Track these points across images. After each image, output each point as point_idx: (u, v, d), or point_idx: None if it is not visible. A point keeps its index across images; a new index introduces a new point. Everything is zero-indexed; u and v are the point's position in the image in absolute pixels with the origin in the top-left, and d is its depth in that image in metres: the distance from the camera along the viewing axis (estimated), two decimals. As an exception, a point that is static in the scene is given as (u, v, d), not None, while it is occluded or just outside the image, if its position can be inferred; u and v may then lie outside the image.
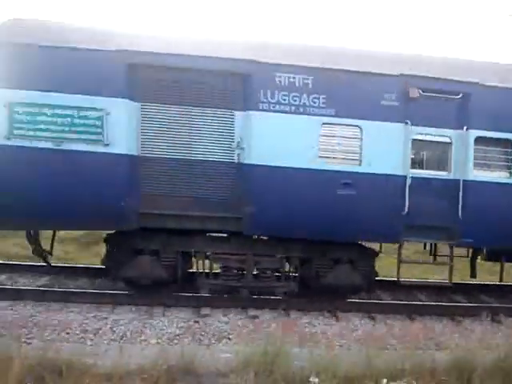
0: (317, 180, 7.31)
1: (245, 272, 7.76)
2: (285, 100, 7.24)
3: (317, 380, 4.57)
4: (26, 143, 6.91)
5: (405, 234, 7.63)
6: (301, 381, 4.62)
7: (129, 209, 7.14)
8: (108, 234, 8.34)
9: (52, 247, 8.35)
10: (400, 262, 7.91)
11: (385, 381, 4.69)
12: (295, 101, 7.25)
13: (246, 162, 7.33)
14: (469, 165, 7.60)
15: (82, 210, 7.05)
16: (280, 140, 7.25)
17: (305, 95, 7.26)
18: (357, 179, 7.36)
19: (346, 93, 7.32)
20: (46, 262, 8.46)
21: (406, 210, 7.42)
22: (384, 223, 7.51)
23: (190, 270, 8.08)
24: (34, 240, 8.13)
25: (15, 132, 6.91)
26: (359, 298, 8.48)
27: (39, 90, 6.91)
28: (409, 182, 7.46)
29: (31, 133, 6.93)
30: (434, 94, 7.47)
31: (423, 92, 7.40)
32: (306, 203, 7.30)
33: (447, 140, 7.66)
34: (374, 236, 7.82)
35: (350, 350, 6.18)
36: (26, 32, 7.02)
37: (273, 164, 7.26)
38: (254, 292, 7.84)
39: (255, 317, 7.47)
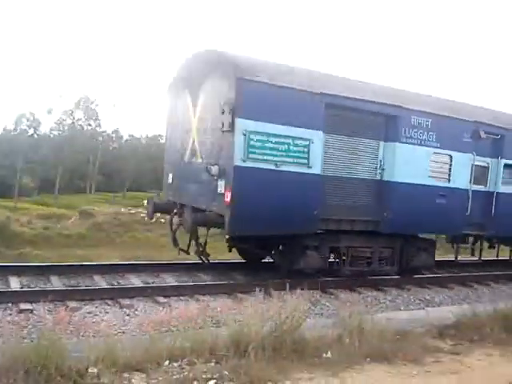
0: (427, 192, 10.36)
1: (370, 260, 10.38)
2: (415, 135, 10.04)
3: (96, 370, 4.44)
4: (256, 165, 8.38)
5: (464, 228, 11.22)
6: (78, 373, 4.39)
7: (318, 216, 9.15)
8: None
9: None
10: (459, 247, 11.60)
11: (166, 362, 4.79)
12: (420, 136, 10.11)
13: (385, 179, 9.95)
14: (499, 182, 11.51)
15: (290, 217, 8.85)
16: (409, 163, 10.05)
17: (425, 132, 10.16)
18: (447, 192, 10.63)
19: (446, 131, 10.45)
20: (205, 259, 9.79)
21: (469, 212, 10.99)
22: (457, 221, 10.97)
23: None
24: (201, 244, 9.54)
25: (250, 156, 8.30)
26: (143, 283, 9.21)
27: (269, 122, 8.41)
28: (470, 193, 11.02)
29: (260, 156, 8.40)
30: (488, 135, 11.12)
31: (484, 133, 10.97)
32: (421, 209, 10.28)
33: (487, 165, 11.43)
34: (451, 230, 11.26)
35: (132, 336, 6.24)
36: (263, 72, 8.47)
37: (404, 181, 10.05)
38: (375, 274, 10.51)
39: (27, 311, 7.07)
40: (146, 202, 12.60)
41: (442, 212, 10.61)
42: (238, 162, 8.28)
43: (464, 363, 6.00)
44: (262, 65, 8.83)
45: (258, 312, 5.77)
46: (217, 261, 10.96)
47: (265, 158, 8.49)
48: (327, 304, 9.03)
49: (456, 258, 11.75)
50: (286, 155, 8.69)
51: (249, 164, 8.36)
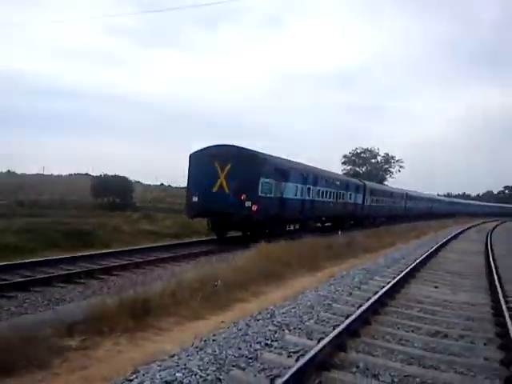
0: (295, 201, 22.77)
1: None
2: (292, 179, 22.39)
3: None
4: (263, 195, 19.64)
5: (302, 215, 24.25)
6: None
7: (274, 211, 20.94)
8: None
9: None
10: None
11: None
12: (293, 179, 22.55)
13: (284, 196, 21.56)
14: (305, 194, 24.36)
15: (270, 213, 20.50)
16: (290, 190, 22.16)
17: (293, 177, 22.73)
18: (295, 200, 22.98)
19: (298, 176, 23.33)
20: (223, 237, 20.58)
21: (300, 208, 23.71)
22: (299, 212, 23.73)
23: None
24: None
25: (262, 191, 19.74)
26: None
27: (265, 178, 19.85)
28: (301, 200, 23.70)
29: (264, 191, 19.75)
30: (305, 175, 24.42)
31: (305, 175, 24.49)
32: (291, 208, 22.47)
33: (304, 188, 23.83)
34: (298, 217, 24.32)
35: None
36: (266, 158, 20.96)
37: (289, 197, 22.09)
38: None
39: None
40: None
41: (295, 208, 23.07)
42: (259, 194, 19.22)
43: (93, 357, 6.04)
44: (264, 155, 20.83)
45: None
46: None
47: (265, 191, 19.63)
48: None
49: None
50: (268, 190, 19.93)
51: (261, 195, 19.38)
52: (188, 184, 20.42)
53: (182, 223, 24.22)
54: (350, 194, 31.74)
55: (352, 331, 6.73)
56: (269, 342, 6.35)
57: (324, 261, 14.94)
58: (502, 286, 10.81)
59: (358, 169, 75.16)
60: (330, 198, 27.65)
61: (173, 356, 5.71)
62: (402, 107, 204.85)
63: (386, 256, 16.85)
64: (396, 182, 71.10)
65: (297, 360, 5.35)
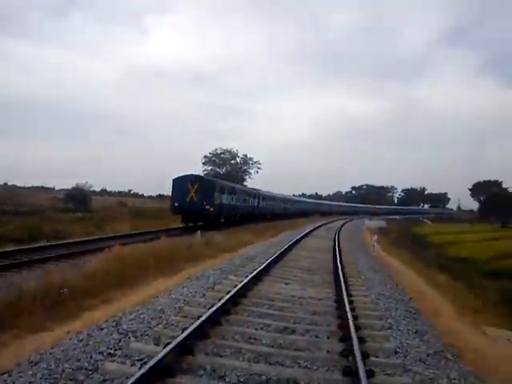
0: (227, 205, 34.28)
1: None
2: (228, 191, 34.88)
3: None
4: (217, 202, 32.36)
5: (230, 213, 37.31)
6: None
7: (216, 212, 30.01)
8: None
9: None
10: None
11: None
12: (229, 191, 35.43)
13: (222, 202, 33.48)
14: (231, 200, 36.07)
15: (220, 213, 34.60)
16: (226, 198, 34.63)
17: (231, 191, 36.05)
18: (227, 204, 34.79)
19: (230, 189, 36.24)
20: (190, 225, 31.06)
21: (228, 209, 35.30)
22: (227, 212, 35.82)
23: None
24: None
25: (216, 199, 31.58)
26: None
27: (218, 192, 32.76)
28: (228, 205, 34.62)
29: (218, 199, 32.13)
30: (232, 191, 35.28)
31: (239, 191, 37.56)
32: (229, 209, 35.66)
33: (229, 197, 35.11)
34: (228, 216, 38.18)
35: None
36: (218, 182, 36.75)
37: (225, 203, 34.53)
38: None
39: None
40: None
41: (227, 209, 34.77)
42: (215, 202, 31.34)
43: None
44: (217, 180, 38.77)
45: None
46: None
47: (216, 200, 31.26)
48: None
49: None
50: (217, 199, 31.73)
51: (215, 202, 31.41)
52: (172, 195, 31.67)
53: (28, 226, 22.37)
54: (251, 199, 44.64)
55: (201, 333, 6.64)
56: (112, 351, 6.03)
57: (182, 262, 14.64)
58: (345, 281, 11.53)
59: (218, 169, 76.28)
60: (241, 202, 40.17)
61: (4, 373, 5.23)
62: (264, 110, 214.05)
63: (243, 255, 17.07)
64: (254, 182, 73.63)
65: (140, 368, 5.13)
